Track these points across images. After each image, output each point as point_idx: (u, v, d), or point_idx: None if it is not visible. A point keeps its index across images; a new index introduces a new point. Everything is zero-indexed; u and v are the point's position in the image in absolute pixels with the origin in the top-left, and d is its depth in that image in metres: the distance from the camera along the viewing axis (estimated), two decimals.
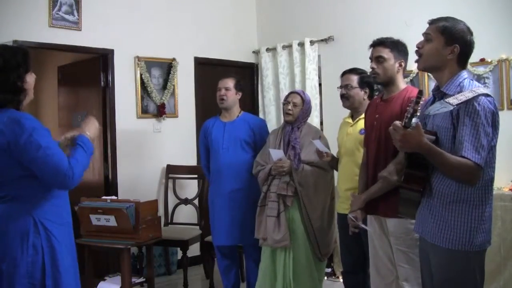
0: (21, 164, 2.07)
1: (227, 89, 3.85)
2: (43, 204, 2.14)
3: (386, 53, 2.73)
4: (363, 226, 2.81)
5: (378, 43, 2.79)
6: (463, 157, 1.97)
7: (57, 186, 2.14)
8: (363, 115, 3.18)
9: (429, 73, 3.73)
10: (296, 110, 3.53)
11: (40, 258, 2.10)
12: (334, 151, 3.41)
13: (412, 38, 2.69)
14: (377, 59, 2.76)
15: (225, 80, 3.88)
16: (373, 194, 2.73)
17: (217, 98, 3.90)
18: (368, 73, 2.99)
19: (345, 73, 3.30)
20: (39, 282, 2.10)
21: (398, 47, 2.77)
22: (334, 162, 3.34)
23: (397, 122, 2.02)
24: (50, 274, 2.11)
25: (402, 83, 2.78)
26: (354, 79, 3.22)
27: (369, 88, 3.24)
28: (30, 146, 2.04)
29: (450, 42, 2.11)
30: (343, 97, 3.25)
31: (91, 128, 2.35)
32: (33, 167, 2.07)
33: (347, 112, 3.41)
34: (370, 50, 2.83)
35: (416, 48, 2.23)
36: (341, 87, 3.27)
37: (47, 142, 2.07)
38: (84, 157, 2.20)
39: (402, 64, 2.76)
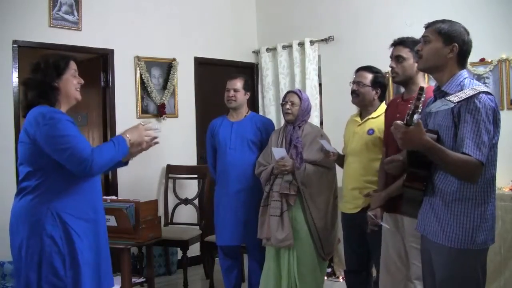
0: (45, 153, 2.21)
1: (235, 90, 3.83)
2: (63, 197, 2.26)
3: (405, 52, 2.71)
4: (383, 223, 2.80)
5: (399, 43, 2.79)
6: (464, 153, 1.97)
7: (78, 172, 2.24)
8: (372, 115, 3.16)
9: (429, 74, 3.72)
10: (295, 108, 3.53)
11: (60, 249, 2.21)
12: (337, 149, 3.38)
13: None
14: (396, 58, 2.76)
15: (233, 81, 3.86)
16: (393, 192, 2.73)
17: (225, 99, 3.89)
18: (388, 72, 2.97)
19: (359, 70, 3.24)
20: (60, 272, 2.21)
21: None
22: (340, 160, 3.31)
23: (399, 121, 2.02)
24: (69, 265, 2.23)
25: (422, 83, 2.75)
26: (368, 77, 3.16)
27: (381, 89, 3.20)
28: (53, 134, 2.19)
29: (448, 42, 2.13)
30: (353, 93, 3.20)
31: (134, 134, 2.45)
32: (56, 155, 2.20)
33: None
34: (391, 49, 2.82)
35: (416, 51, 2.25)
36: (353, 82, 3.21)
37: (72, 131, 2.23)
38: (111, 151, 2.31)
39: None
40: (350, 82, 3.25)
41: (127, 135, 2.42)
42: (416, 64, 2.70)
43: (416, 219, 2.41)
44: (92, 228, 2.34)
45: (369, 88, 3.15)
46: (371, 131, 3.11)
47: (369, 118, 3.17)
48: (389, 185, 2.80)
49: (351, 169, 3.20)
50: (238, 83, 3.85)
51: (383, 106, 3.20)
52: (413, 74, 2.73)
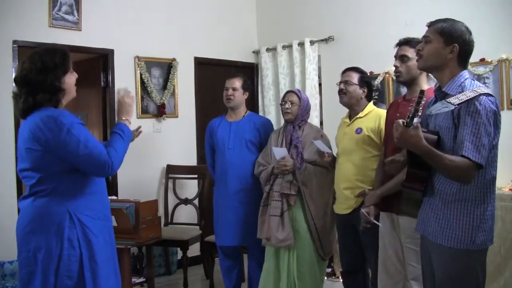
0: (59, 159, 2.17)
1: (234, 89, 3.83)
2: (79, 198, 2.23)
3: (410, 52, 2.69)
4: (375, 221, 2.80)
5: (404, 43, 2.79)
6: (463, 156, 1.97)
7: (98, 175, 2.27)
8: (360, 115, 3.20)
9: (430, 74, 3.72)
10: (294, 108, 3.53)
11: (77, 252, 2.18)
12: (335, 150, 3.41)
13: None
14: (401, 58, 2.76)
15: (232, 80, 3.86)
16: (389, 190, 2.73)
17: (224, 98, 3.88)
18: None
19: (346, 70, 3.30)
20: (77, 275, 2.18)
21: None
22: (333, 162, 3.34)
23: (400, 121, 2.03)
24: (88, 266, 2.20)
25: (425, 84, 2.75)
26: (355, 76, 3.22)
27: (368, 88, 3.25)
28: (69, 141, 2.14)
29: (449, 42, 2.13)
30: (341, 92, 3.25)
31: (129, 111, 2.45)
32: (74, 161, 2.18)
33: (346, 112, 3.41)
34: (396, 49, 2.82)
35: (417, 51, 2.25)
36: (340, 82, 3.26)
37: (84, 136, 2.19)
38: (122, 145, 2.32)
39: None
40: (337, 83, 3.30)
41: (124, 118, 2.42)
42: None
43: (415, 219, 2.42)
44: (104, 224, 2.33)
45: (356, 86, 3.20)
46: (358, 130, 3.14)
47: (356, 118, 3.21)
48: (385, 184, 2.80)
49: (343, 169, 3.22)
50: (237, 82, 3.84)
51: (370, 106, 3.26)
52: (417, 75, 2.73)
